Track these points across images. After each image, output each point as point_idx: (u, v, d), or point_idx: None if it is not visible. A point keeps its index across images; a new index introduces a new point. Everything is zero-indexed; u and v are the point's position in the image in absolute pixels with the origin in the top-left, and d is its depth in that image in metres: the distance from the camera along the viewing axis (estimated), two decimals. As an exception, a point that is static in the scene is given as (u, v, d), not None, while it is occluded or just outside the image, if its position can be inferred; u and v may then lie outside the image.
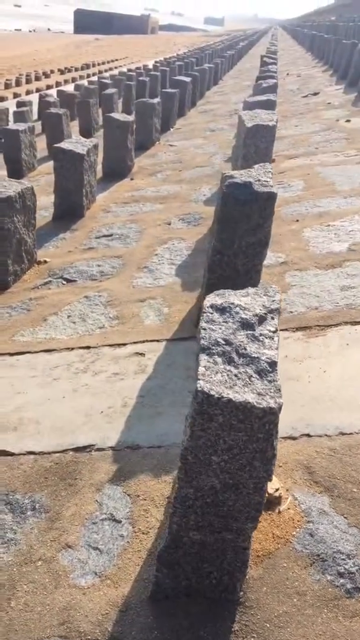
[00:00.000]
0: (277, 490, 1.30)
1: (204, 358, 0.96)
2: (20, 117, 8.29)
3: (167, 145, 6.14)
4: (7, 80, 25.00)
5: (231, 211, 1.95)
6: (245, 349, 0.98)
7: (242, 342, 1.00)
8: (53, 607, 1.12)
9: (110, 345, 2.18)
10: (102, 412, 1.77)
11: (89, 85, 11.59)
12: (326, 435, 1.52)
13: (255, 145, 2.96)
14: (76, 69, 30.38)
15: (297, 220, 3.12)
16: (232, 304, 1.07)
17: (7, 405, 1.89)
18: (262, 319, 1.07)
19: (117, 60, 36.19)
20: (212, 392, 0.89)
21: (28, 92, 21.42)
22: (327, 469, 1.41)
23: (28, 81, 25.17)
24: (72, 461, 1.58)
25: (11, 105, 14.41)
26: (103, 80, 12.03)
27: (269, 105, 3.97)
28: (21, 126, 5.69)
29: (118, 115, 4.94)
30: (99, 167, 4.96)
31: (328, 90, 7.80)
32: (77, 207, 3.93)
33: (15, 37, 63.71)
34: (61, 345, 2.24)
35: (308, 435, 1.53)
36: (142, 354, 2.08)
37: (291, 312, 2.17)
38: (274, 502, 1.28)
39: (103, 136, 5.07)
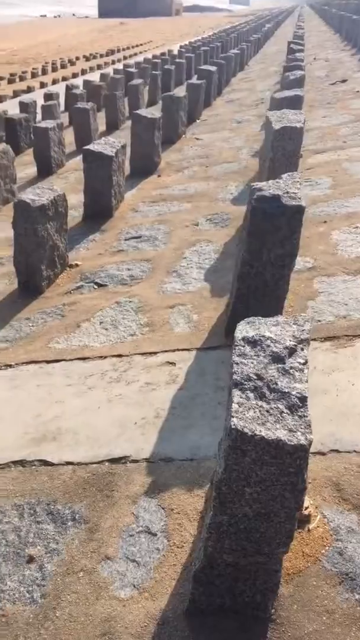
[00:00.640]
0: (306, 508, 1.34)
1: (237, 394, 1.01)
2: (48, 111, 8.37)
3: (194, 138, 6.13)
4: (33, 69, 25.17)
5: (260, 224, 1.97)
6: (276, 384, 1.03)
7: (273, 376, 1.04)
8: (95, 618, 1.21)
9: (142, 354, 2.24)
10: (135, 423, 1.84)
11: (114, 75, 11.57)
12: (355, 451, 1.56)
13: (283, 147, 2.95)
14: (101, 55, 30.31)
15: (325, 222, 3.11)
16: (263, 336, 1.12)
17: (46, 415, 1.98)
18: (292, 351, 1.11)
19: (141, 44, 35.89)
20: (245, 430, 0.93)
21: (54, 81, 21.53)
22: (356, 486, 1.45)
23: (54, 69, 25.28)
24: (108, 472, 1.65)
25: (38, 97, 14.53)
26: (129, 70, 11.99)
27: (297, 102, 3.93)
28: (50, 124, 5.77)
29: (145, 112, 4.96)
30: (127, 163, 5.01)
31: (357, 77, 7.61)
32: (106, 208, 4.00)
33: (41, 23, 63.67)
34: (95, 353, 2.32)
35: (337, 451, 1.57)
36: (173, 363, 2.14)
37: (319, 321, 2.19)
38: (303, 521, 1.33)
39: (130, 133, 5.09)
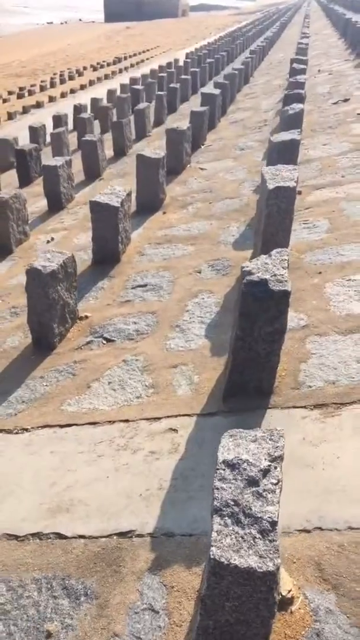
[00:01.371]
0: (289, 591, 1.52)
1: (216, 521, 1.19)
2: (57, 139, 8.61)
3: (198, 168, 6.30)
4: (42, 81, 25.55)
5: (250, 306, 2.15)
6: (250, 509, 1.21)
7: (248, 501, 1.22)
8: None
9: (147, 419, 2.44)
10: (140, 494, 2.04)
11: (121, 95, 11.79)
12: (336, 529, 1.73)
13: (277, 205, 3.12)
14: (108, 64, 30.58)
15: (320, 273, 3.26)
16: (241, 459, 1.30)
17: (60, 484, 2.18)
18: (266, 472, 1.29)
19: (148, 50, 36.07)
20: (222, 560, 1.12)
21: (63, 95, 21.85)
22: (335, 565, 1.62)
23: (62, 81, 25.61)
24: (116, 547, 1.85)
25: (47, 115, 14.82)
26: (135, 87, 12.20)
27: (293, 147, 4.08)
28: (59, 161, 6.00)
29: (149, 153, 5.15)
30: (133, 198, 5.22)
31: (359, 95, 7.70)
32: (113, 254, 4.20)
33: (48, 31, 64.26)
34: (104, 418, 2.52)
35: (320, 528, 1.74)
36: (175, 430, 2.33)
37: (310, 386, 2.36)
38: (286, 603, 1.51)
39: (136, 171, 5.29)
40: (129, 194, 4.32)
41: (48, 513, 2.06)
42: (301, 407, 2.25)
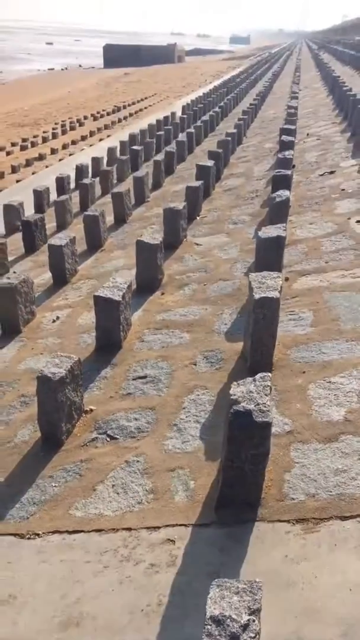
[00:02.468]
0: None
1: None
2: (61, 207, 9.10)
3: (193, 243, 6.72)
4: (44, 132, 26.58)
5: (236, 434, 2.46)
6: (232, 664, 1.48)
7: (230, 656, 1.50)
8: None
9: (147, 529, 2.71)
10: (142, 610, 2.29)
11: (121, 157, 12.41)
12: (312, 651, 1.98)
13: (263, 313, 3.46)
14: (108, 113, 31.84)
15: (304, 372, 3.58)
16: (224, 616, 1.58)
17: (70, 596, 2.44)
18: (245, 627, 1.57)
19: (146, 98, 37.55)
20: None
21: (64, 146, 22.76)
22: None
23: (64, 132, 26.61)
24: (121, 664, 2.10)
25: (50, 173, 15.47)
26: (133, 148, 12.85)
27: (279, 243, 4.47)
28: (63, 240, 6.42)
29: (148, 239, 5.56)
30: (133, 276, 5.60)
31: (344, 166, 8.21)
32: (116, 342, 4.54)
33: (49, 78, 66.79)
34: (108, 525, 2.79)
35: (298, 649, 2.00)
36: (172, 541, 2.59)
37: (293, 499, 2.64)
38: None
39: (135, 254, 5.69)
40: (129, 286, 4.68)
41: (60, 626, 2.31)
42: (285, 521, 2.52)
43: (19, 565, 2.71)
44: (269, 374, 2.74)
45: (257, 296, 3.48)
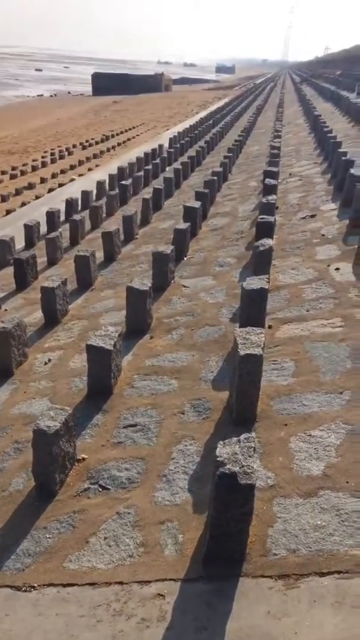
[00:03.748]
0: None
1: None
2: (52, 243, 9.34)
3: (181, 285, 6.98)
4: (33, 160, 26.99)
5: (222, 494, 2.66)
6: None
7: None
8: None
9: (139, 582, 2.86)
10: (134, 665, 2.44)
11: (110, 192, 12.74)
12: None
13: (247, 369, 3.69)
14: (96, 142, 32.43)
15: (286, 425, 3.80)
16: None
17: (65, 652, 2.58)
18: None
19: (134, 127, 38.36)
20: None
21: (54, 175, 23.10)
22: None
23: (53, 161, 27.03)
24: None
25: (40, 206, 15.74)
26: (122, 183, 13.21)
27: (262, 295, 4.75)
28: (55, 282, 6.62)
29: (137, 285, 5.79)
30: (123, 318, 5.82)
31: (324, 210, 8.60)
32: (106, 388, 4.72)
33: (39, 104, 67.78)
34: (101, 579, 2.94)
35: None
36: (162, 596, 2.75)
37: (275, 554, 2.82)
38: None
39: (126, 299, 5.91)
40: (120, 334, 4.89)
41: None
42: (268, 576, 2.70)
43: (16, 617, 2.84)
44: (253, 435, 2.96)
45: (241, 352, 3.72)
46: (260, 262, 5.81)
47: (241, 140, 16.81)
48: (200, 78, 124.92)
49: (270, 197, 7.87)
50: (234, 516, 2.69)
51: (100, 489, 3.66)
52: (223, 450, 2.83)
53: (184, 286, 6.97)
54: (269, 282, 5.15)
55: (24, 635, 2.73)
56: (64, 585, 2.96)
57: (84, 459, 4.00)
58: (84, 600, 2.84)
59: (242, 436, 2.93)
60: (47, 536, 3.35)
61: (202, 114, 35.35)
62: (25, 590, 3.00)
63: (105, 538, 3.22)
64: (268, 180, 8.94)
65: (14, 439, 4.50)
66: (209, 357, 5.06)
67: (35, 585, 3.02)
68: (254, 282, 4.93)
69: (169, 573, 2.88)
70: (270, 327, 5.25)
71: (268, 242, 5.90)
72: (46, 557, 3.19)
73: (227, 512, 2.69)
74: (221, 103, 41.07)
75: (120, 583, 2.89)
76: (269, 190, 8.51)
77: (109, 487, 3.66)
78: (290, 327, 5.22)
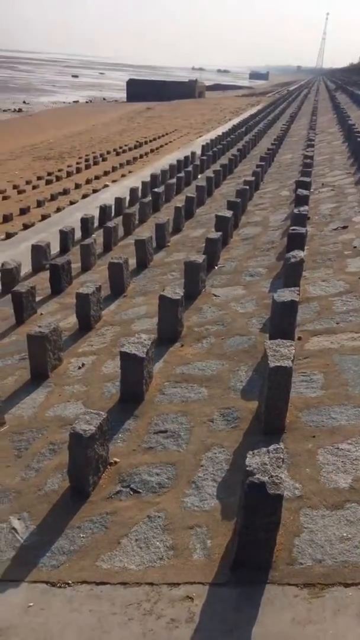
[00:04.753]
0: None
1: None
2: (86, 249, 9.59)
3: (212, 294, 7.10)
4: (68, 166, 27.57)
5: (251, 503, 2.76)
6: None
7: None
8: None
9: (168, 584, 2.98)
10: (163, 663, 2.56)
11: (143, 200, 12.98)
12: None
13: (277, 381, 3.78)
14: (130, 149, 32.89)
15: (314, 437, 3.87)
16: None
17: (98, 646, 2.71)
18: None
19: (167, 134, 38.73)
20: None
21: (88, 181, 23.56)
22: None
23: (87, 167, 27.56)
24: None
25: (74, 211, 16.12)
26: (155, 191, 13.43)
27: (293, 307, 4.82)
28: (90, 289, 6.83)
29: (170, 294, 5.94)
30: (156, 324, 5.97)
31: (356, 221, 8.58)
32: (138, 394, 4.87)
33: (74, 110, 69.11)
34: (132, 579, 3.07)
35: None
36: (191, 599, 2.87)
37: (301, 564, 2.90)
38: None
39: (158, 308, 6.06)
40: (153, 342, 5.04)
41: (89, 675, 2.58)
42: (294, 584, 2.79)
43: (51, 612, 3.00)
44: (282, 446, 3.05)
45: (272, 364, 3.81)
46: (291, 274, 5.88)
47: (274, 148, 16.83)
48: (233, 84, 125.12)
49: (302, 208, 7.92)
50: (262, 524, 2.78)
51: (132, 492, 3.80)
52: (252, 460, 2.93)
53: (215, 295, 7.08)
54: (299, 294, 5.22)
55: (59, 629, 2.88)
56: (97, 584, 3.10)
57: (116, 462, 4.15)
58: (116, 599, 2.97)
59: (271, 447, 3.02)
60: (81, 535, 3.50)
61: (235, 120, 35.47)
62: (60, 587, 3.16)
63: (136, 540, 3.36)
64: (300, 191, 8.98)
65: (49, 441, 4.69)
66: (238, 367, 5.15)
67: (70, 582, 3.17)
68: (285, 294, 5.01)
69: (198, 576, 2.99)
70: (299, 338, 5.31)
71: (299, 254, 5.96)
72: (80, 556, 3.35)
73: (255, 520, 2.78)
74: (254, 110, 41.08)
75: (151, 584, 3.02)
76: (301, 201, 8.55)
77: (140, 490, 3.80)
78: (319, 339, 5.27)
